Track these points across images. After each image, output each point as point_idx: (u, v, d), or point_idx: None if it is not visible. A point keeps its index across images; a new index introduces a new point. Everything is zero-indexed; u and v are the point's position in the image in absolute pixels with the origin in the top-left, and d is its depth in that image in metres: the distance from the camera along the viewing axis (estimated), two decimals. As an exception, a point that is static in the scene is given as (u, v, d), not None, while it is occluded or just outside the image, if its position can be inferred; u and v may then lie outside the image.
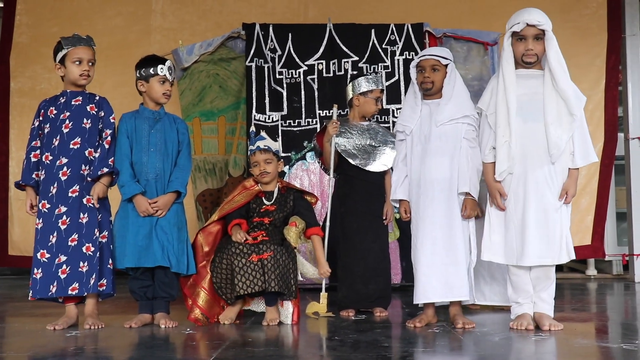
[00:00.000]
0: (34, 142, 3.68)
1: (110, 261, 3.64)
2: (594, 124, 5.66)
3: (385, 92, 4.32)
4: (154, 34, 6.00)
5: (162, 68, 3.76)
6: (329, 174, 4.28)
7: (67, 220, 3.56)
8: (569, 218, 3.49)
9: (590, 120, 5.51)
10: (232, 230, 3.80)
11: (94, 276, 3.54)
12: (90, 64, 3.70)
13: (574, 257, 3.47)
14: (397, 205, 3.84)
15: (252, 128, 4.16)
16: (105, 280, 3.60)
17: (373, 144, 4.25)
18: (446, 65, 3.69)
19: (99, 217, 3.63)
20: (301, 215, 3.91)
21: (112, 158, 3.66)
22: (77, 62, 3.67)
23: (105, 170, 3.61)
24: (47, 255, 3.54)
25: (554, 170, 3.44)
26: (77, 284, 3.53)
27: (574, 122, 3.42)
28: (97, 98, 3.75)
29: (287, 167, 5.38)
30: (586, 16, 6.03)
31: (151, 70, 3.76)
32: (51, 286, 3.52)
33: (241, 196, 3.92)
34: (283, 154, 5.34)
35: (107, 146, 3.65)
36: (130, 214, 3.68)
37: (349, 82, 4.37)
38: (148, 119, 3.78)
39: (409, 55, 5.46)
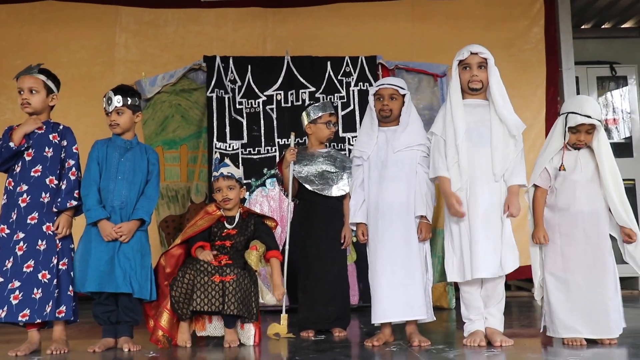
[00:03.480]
0: None
1: (70, 288, 3.51)
2: (536, 151, 5.73)
3: (337, 115, 4.30)
4: (118, 66, 5.97)
5: (104, 100, 3.69)
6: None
7: (24, 247, 3.44)
8: (511, 231, 3.50)
9: (532, 148, 5.62)
10: (197, 252, 3.72)
11: (50, 303, 3.41)
12: (32, 92, 3.57)
13: (516, 265, 3.47)
14: (355, 229, 3.80)
15: (217, 155, 4.10)
16: (64, 307, 3.46)
17: (331, 169, 4.22)
18: (403, 95, 3.71)
19: (59, 244, 3.51)
20: (261, 239, 3.85)
21: (78, 190, 3.57)
22: (20, 92, 3.59)
23: (74, 203, 3.52)
24: (1, 280, 3.41)
25: (499, 190, 3.47)
26: (29, 311, 3.39)
27: (517, 143, 3.49)
28: (61, 127, 3.64)
29: (248, 193, 5.32)
30: (527, 51, 6.22)
31: (103, 105, 3.70)
32: (1, 311, 3.38)
33: (203, 220, 3.84)
34: (244, 181, 5.27)
35: (72, 178, 3.55)
36: (94, 239, 3.55)
37: (302, 113, 4.35)
38: (119, 147, 3.68)
39: (364, 85, 5.49)
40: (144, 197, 3.66)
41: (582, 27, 7.34)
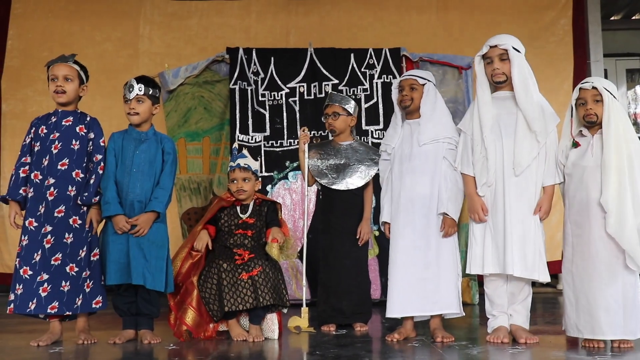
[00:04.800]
0: (23, 159, 3.55)
1: (102, 277, 3.53)
2: (562, 146, 5.67)
3: (342, 105, 4.15)
4: (142, 58, 5.96)
5: (125, 88, 3.65)
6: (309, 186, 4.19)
7: (52, 240, 3.42)
8: (542, 238, 3.41)
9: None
10: (200, 233, 3.72)
11: (81, 296, 3.42)
12: (67, 80, 3.56)
13: (547, 279, 3.39)
14: (381, 225, 3.75)
15: (235, 145, 4.06)
16: (100, 297, 3.50)
17: (347, 162, 4.13)
18: (424, 85, 3.64)
19: (90, 236, 3.50)
20: (273, 222, 3.82)
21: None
22: (53, 79, 3.56)
23: (97, 198, 3.51)
24: (30, 273, 3.40)
25: (524, 185, 3.38)
26: (57, 303, 3.39)
27: (543, 138, 3.36)
28: (88, 119, 3.62)
29: (270, 186, 5.28)
30: (553, 43, 6.08)
31: (123, 93, 3.66)
32: (30, 303, 3.37)
33: (217, 205, 3.85)
34: (266, 174, 5.26)
35: (101, 172, 3.53)
36: (110, 231, 3.54)
37: None
38: (135, 139, 3.65)
39: (387, 78, 5.42)
40: (157, 187, 3.60)
41: (612, 18, 7.17)
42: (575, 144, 3.35)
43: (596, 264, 3.20)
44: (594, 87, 3.28)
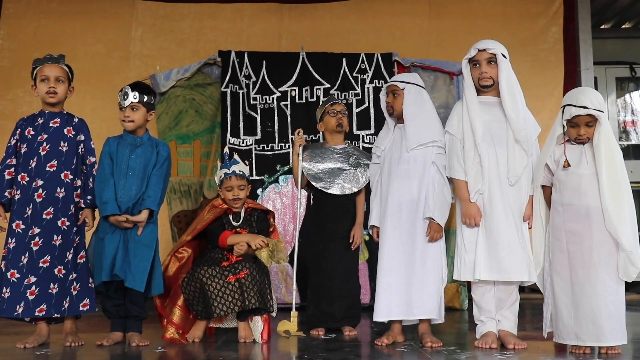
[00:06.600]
0: (9, 160, 3.52)
1: (90, 280, 3.51)
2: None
3: (345, 107, 4.21)
4: (133, 60, 5.96)
5: (120, 95, 3.63)
6: (304, 189, 4.18)
7: (40, 242, 3.40)
8: (528, 241, 3.43)
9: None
10: (232, 239, 3.69)
11: (67, 299, 3.40)
12: (58, 81, 3.54)
13: (534, 280, 3.40)
14: (370, 230, 3.75)
15: (226, 150, 4.04)
16: (88, 300, 3.48)
17: (342, 167, 4.14)
18: (404, 89, 3.63)
19: (77, 239, 3.48)
20: (264, 232, 3.81)
21: None
22: (44, 80, 3.54)
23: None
24: (17, 275, 3.37)
25: (518, 192, 3.39)
26: (45, 306, 3.36)
27: (528, 147, 3.37)
28: (76, 121, 3.61)
29: (260, 189, 5.28)
30: (544, 50, 6.13)
31: (118, 100, 3.65)
32: (18, 306, 3.35)
33: (210, 214, 3.82)
34: (256, 177, 5.26)
35: (96, 174, 3.53)
36: (107, 232, 3.51)
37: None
38: (130, 144, 3.63)
39: (379, 83, 5.42)
40: (148, 187, 3.58)
41: (602, 26, 7.23)
42: (565, 166, 3.27)
43: (602, 272, 3.17)
44: (589, 115, 3.20)
